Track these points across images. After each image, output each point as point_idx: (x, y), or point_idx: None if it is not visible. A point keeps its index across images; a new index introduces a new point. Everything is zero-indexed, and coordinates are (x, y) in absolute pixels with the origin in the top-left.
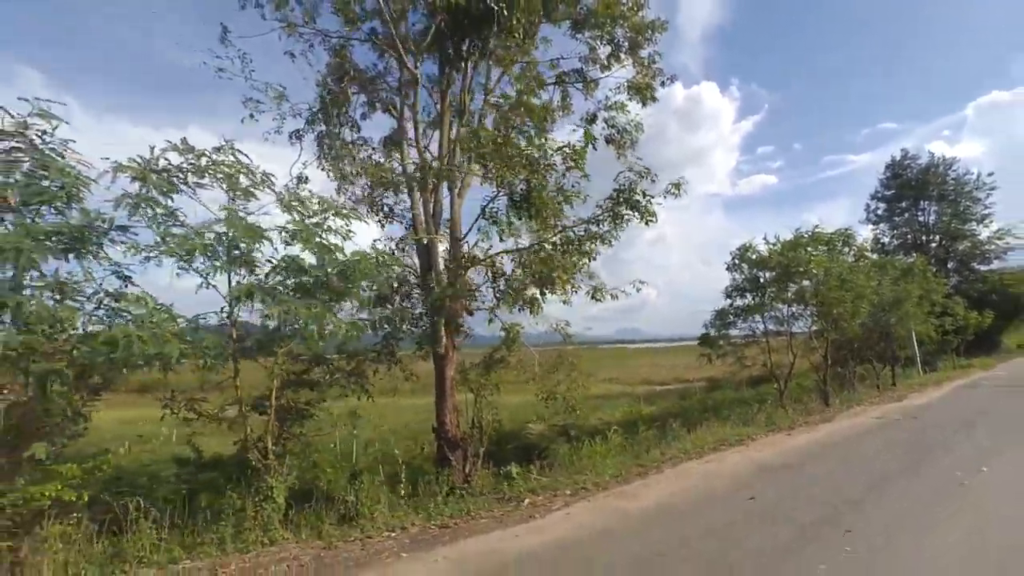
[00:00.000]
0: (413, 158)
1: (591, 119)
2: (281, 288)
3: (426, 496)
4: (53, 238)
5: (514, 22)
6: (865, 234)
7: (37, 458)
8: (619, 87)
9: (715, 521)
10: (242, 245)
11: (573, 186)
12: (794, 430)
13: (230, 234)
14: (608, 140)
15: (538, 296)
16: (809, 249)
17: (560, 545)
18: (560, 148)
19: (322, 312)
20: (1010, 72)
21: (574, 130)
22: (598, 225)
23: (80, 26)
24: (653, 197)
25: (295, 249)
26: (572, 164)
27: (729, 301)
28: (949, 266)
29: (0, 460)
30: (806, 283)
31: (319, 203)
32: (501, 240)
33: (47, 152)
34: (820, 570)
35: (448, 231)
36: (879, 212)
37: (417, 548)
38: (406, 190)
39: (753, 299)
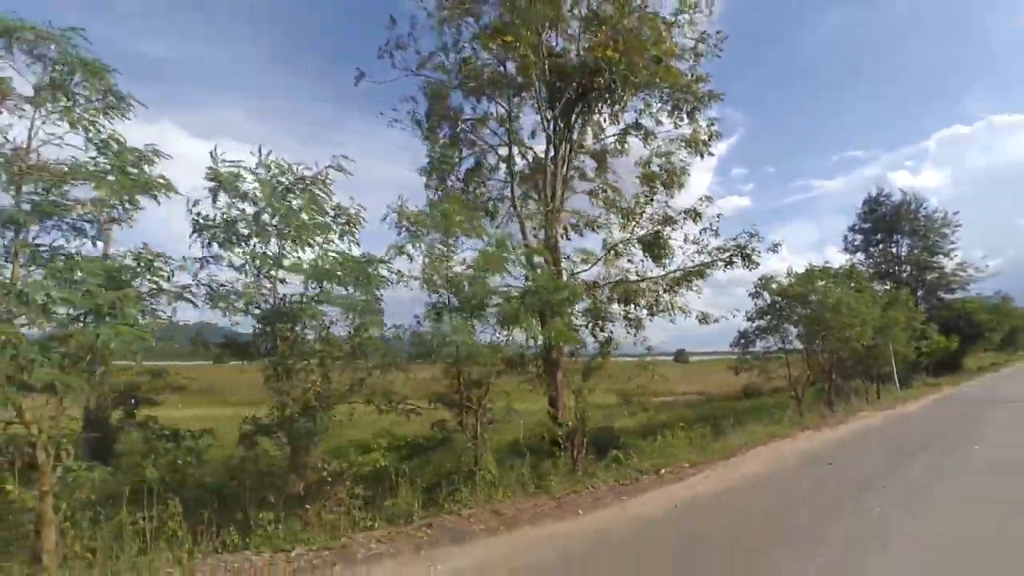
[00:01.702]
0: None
1: (647, 163)
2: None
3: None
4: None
5: (626, 94)
6: (841, 261)
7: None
8: (672, 140)
9: (805, 478)
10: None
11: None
12: (820, 429)
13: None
14: (662, 182)
15: (643, 317)
16: (821, 282)
17: (712, 495)
18: (687, 210)
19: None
20: (971, 107)
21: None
22: (709, 267)
23: (41, 9)
24: (759, 252)
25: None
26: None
27: (751, 323)
28: (918, 294)
29: (303, 426)
30: (813, 310)
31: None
32: (638, 274)
33: (320, 195)
34: (875, 506)
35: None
36: (856, 243)
37: (619, 497)
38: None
39: (769, 322)
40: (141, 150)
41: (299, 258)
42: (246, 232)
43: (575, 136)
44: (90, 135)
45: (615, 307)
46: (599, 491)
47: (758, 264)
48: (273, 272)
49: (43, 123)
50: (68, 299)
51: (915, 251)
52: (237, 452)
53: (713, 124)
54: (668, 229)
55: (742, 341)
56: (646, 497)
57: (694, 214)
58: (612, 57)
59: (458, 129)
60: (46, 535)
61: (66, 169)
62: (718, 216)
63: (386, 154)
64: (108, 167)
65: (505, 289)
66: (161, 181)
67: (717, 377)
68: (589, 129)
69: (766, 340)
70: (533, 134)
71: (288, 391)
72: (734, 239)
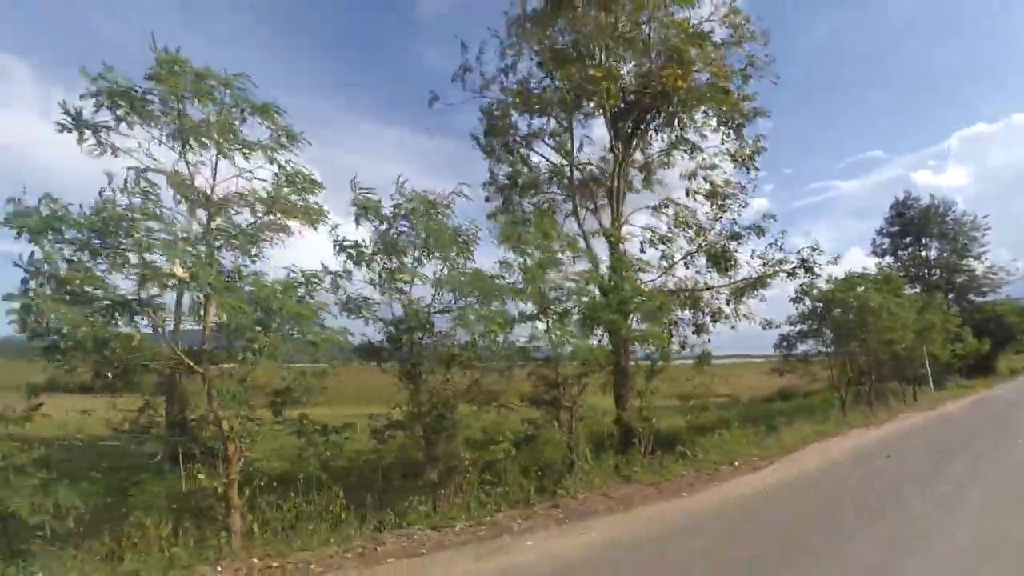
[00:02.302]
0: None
1: (691, 175)
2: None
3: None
4: None
5: (685, 117)
6: (868, 264)
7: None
8: (716, 153)
9: (858, 471)
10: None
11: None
12: (868, 427)
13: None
14: (707, 195)
15: (708, 323)
16: (861, 288)
17: (790, 481)
18: (752, 226)
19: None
20: (994, 105)
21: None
22: (771, 278)
23: (61, 17)
24: (819, 264)
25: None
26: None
27: (791, 328)
28: (949, 297)
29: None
30: (855, 314)
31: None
32: (706, 284)
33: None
34: (927, 494)
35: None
36: (884, 247)
37: (709, 484)
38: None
39: (810, 326)
40: (317, 182)
41: (445, 273)
42: (382, 250)
43: (631, 154)
44: (282, 169)
45: (684, 313)
46: (688, 478)
47: (818, 276)
48: (404, 285)
49: (221, 158)
50: (302, 312)
51: (944, 254)
52: (369, 445)
53: (759, 140)
54: (734, 244)
55: (784, 344)
56: (733, 483)
57: (758, 229)
58: (681, 86)
59: (514, 144)
60: (233, 517)
61: (266, 198)
62: (783, 233)
63: (388, 154)
64: (295, 195)
65: (587, 298)
66: (316, 207)
67: (746, 380)
68: (641, 144)
69: (807, 343)
70: (581, 146)
71: (427, 390)
72: (798, 252)
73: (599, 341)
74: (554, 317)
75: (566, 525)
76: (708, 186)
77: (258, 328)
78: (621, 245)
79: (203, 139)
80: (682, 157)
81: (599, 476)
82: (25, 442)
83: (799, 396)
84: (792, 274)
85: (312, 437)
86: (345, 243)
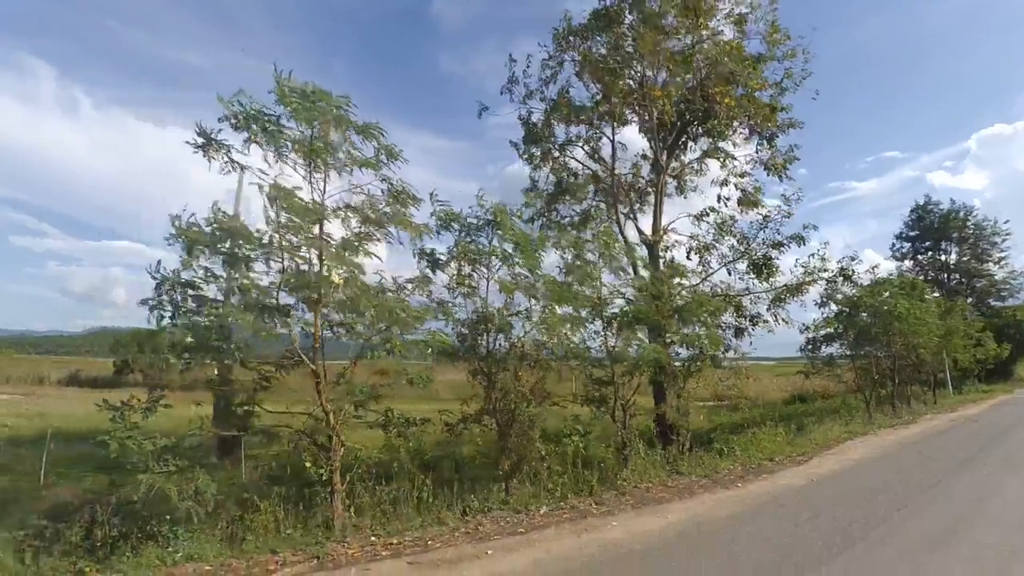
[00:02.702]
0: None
1: (723, 182)
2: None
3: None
4: None
5: (726, 130)
6: (888, 267)
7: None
8: (749, 161)
9: (892, 465)
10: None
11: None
12: (896, 428)
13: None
14: (739, 202)
15: (746, 327)
16: (887, 294)
17: (834, 473)
18: (793, 236)
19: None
20: (1014, 105)
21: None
22: (812, 285)
23: (84, 18)
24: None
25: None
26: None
27: (818, 331)
28: (968, 301)
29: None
30: (881, 318)
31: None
32: (747, 290)
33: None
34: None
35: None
36: (903, 251)
37: (759, 476)
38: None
39: (836, 330)
40: (417, 197)
41: (521, 278)
42: (458, 257)
43: (670, 164)
44: (392, 187)
45: (726, 317)
46: (736, 472)
47: (857, 284)
48: (481, 290)
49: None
50: (418, 315)
51: (964, 259)
52: (443, 437)
53: (792, 150)
54: (776, 252)
55: (809, 347)
56: (782, 475)
57: (799, 239)
58: (731, 103)
59: (553, 152)
60: (335, 501)
61: (372, 211)
62: (826, 243)
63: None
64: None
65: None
66: (407, 219)
67: (758, 382)
68: (678, 153)
69: (832, 346)
70: (614, 153)
71: (500, 387)
72: (839, 262)
73: (649, 342)
74: (607, 319)
75: (640, 509)
76: (740, 193)
77: (383, 327)
78: (668, 252)
79: (323, 157)
80: (721, 166)
81: (652, 469)
82: (145, 432)
83: (816, 399)
84: (832, 282)
85: (400, 429)
86: (426, 250)
